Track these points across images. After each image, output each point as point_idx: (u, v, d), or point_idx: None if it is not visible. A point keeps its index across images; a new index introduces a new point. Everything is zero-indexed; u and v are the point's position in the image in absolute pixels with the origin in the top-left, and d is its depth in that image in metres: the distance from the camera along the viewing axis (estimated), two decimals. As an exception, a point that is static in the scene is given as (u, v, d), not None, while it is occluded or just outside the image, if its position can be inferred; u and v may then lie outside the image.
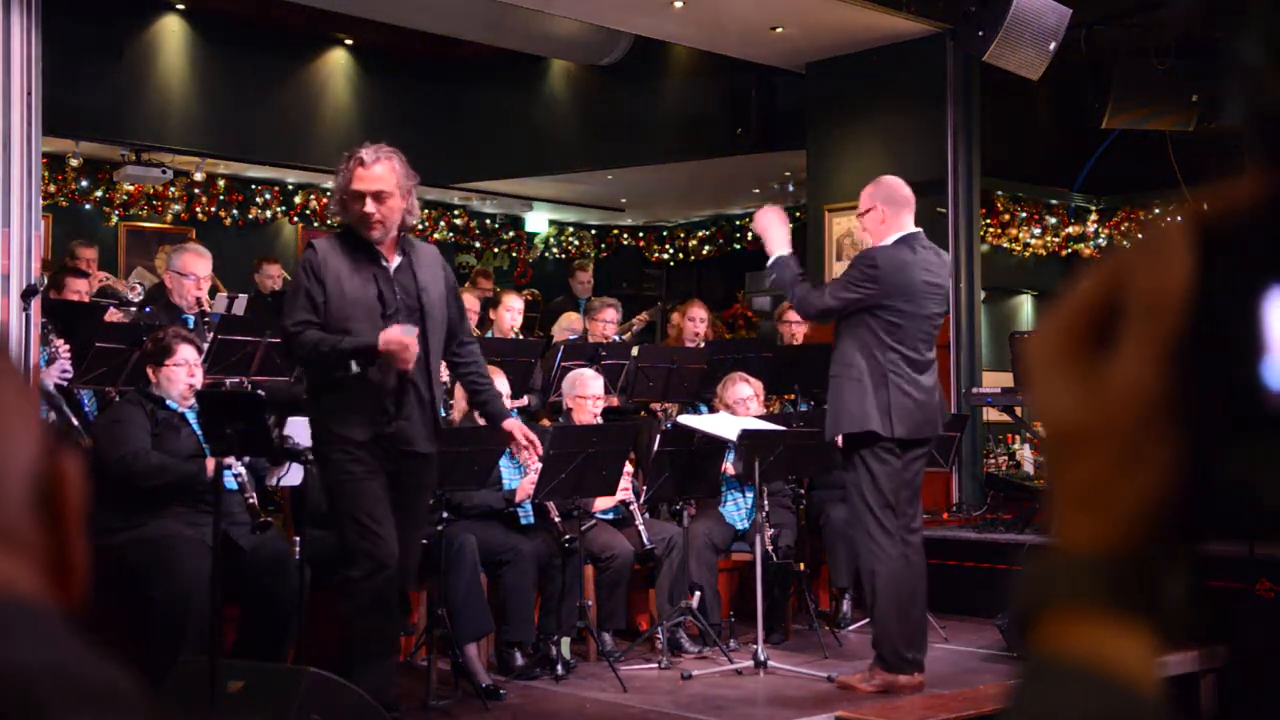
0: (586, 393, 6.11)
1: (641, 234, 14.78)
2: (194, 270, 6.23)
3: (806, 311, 5.30)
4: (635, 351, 7.15)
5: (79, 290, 6.79)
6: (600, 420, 6.12)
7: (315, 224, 12.13)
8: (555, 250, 14.33)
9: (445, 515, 5.18)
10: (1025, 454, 8.80)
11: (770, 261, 5.25)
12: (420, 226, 11.35)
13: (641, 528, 5.87)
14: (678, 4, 8.15)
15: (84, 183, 10.89)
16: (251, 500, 4.84)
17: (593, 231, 14.68)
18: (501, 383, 5.61)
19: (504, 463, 5.53)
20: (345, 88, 11.87)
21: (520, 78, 12.02)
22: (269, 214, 12.01)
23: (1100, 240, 10.22)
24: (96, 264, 8.52)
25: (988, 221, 9.55)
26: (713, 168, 11.57)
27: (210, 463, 4.65)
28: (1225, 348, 0.54)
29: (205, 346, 5.47)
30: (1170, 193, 9.00)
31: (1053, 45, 7.76)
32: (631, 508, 5.92)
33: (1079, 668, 0.56)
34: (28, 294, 5.69)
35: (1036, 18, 7.70)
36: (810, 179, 9.41)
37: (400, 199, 4.21)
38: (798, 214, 9.91)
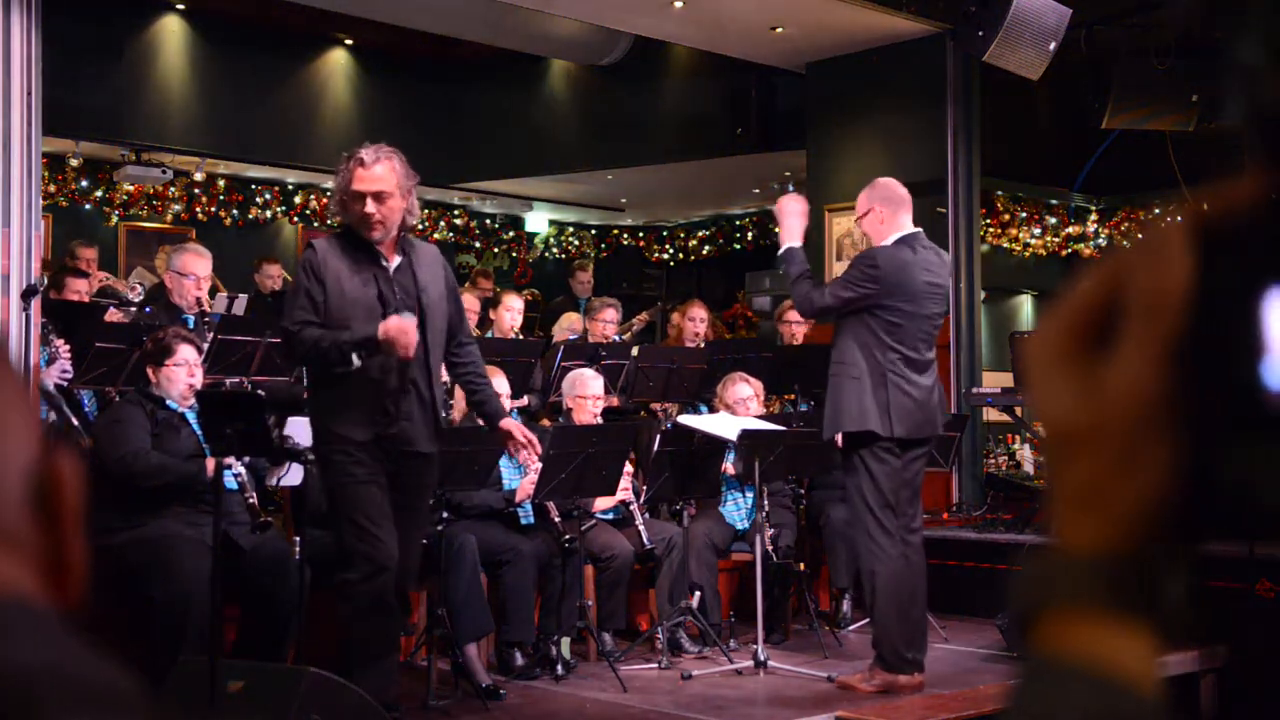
0: (586, 393, 6.11)
1: (641, 234, 14.78)
2: (194, 270, 6.23)
3: (805, 308, 5.31)
4: (635, 351, 7.15)
5: (79, 290, 6.79)
6: (600, 420, 6.12)
7: (315, 224, 12.13)
8: (555, 250, 14.33)
9: (445, 515, 5.18)
10: (1025, 454, 8.80)
11: (780, 251, 5.29)
12: (420, 226, 11.35)
13: (641, 528, 5.87)
14: (678, 4, 8.15)
15: (84, 183, 10.89)
16: (251, 500, 4.84)
17: (593, 231, 14.68)
18: (501, 383, 5.61)
19: (504, 463, 5.53)
20: (345, 88, 11.87)
21: (520, 78, 12.02)
22: (269, 214, 12.02)
23: (1100, 240, 10.22)
24: (96, 264, 8.52)
25: (988, 221, 9.55)
26: (713, 168, 11.57)
27: (210, 463, 4.65)
28: (1225, 348, 0.54)
29: (205, 346, 5.46)
30: (1170, 193, 9.00)
31: (1053, 45, 7.76)
32: (631, 508, 5.92)
33: (1079, 668, 0.56)
34: (28, 294, 5.69)
35: (1036, 18, 7.70)
36: (810, 179, 9.41)
37: (400, 199, 4.21)
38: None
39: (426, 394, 4.25)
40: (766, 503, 5.83)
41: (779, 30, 8.66)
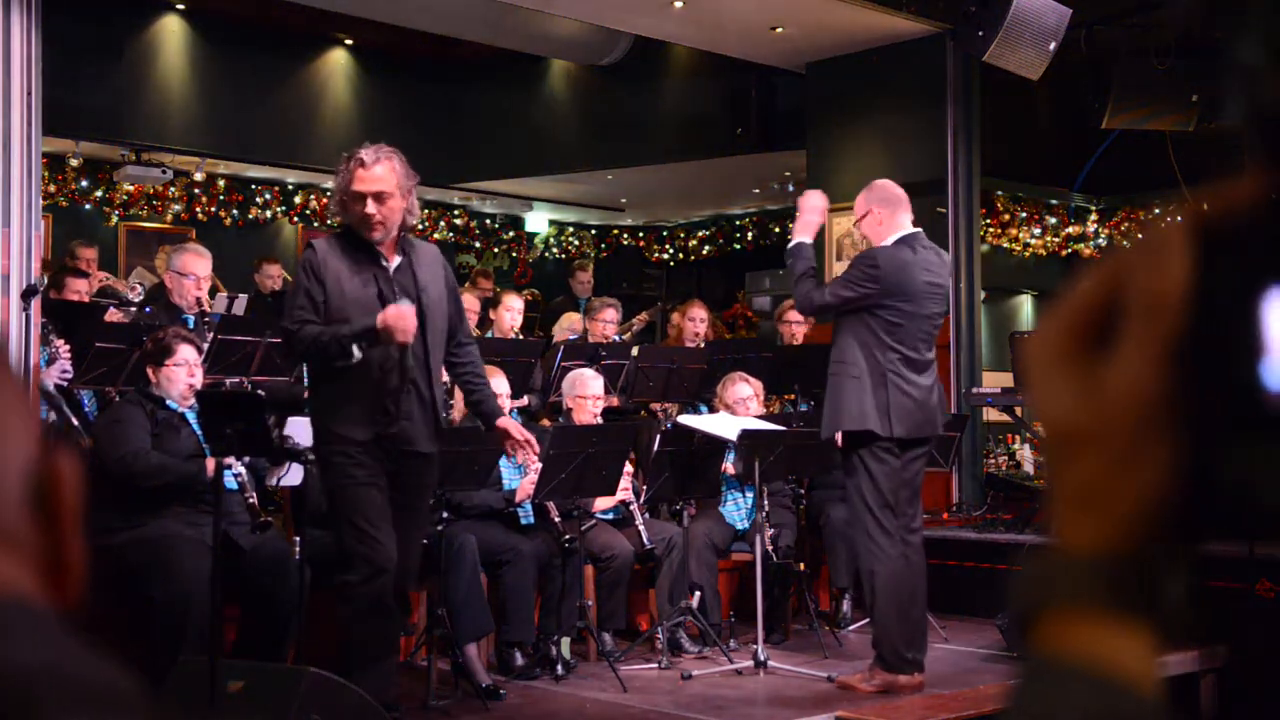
0: (586, 393, 6.11)
1: (641, 234, 14.78)
2: (194, 270, 6.23)
3: (804, 306, 5.33)
4: (635, 351, 7.15)
5: (79, 290, 6.79)
6: (600, 420, 6.12)
7: (315, 224, 12.13)
8: (555, 250, 14.33)
9: (445, 515, 5.18)
10: (1025, 454, 8.80)
11: (789, 245, 5.31)
12: (420, 226, 11.35)
13: (641, 528, 5.87)
14: (678, 4, 8.15)
15: (84, 183, 10.89)
16: (251, 500, 4.84)
17: (593, 231, 14.68)
18: (501, 383, 5.61)
19: (504, 463, 5.53)
20: (345, 88, 11.87)
21: (520, 78, 12.02)
22: (269, 214, 12.02)
23: (1100, 240, 10.22)
24: (96, 264, 8.52)
25: (988, 221, 9.55)
26: (713, 168, 11.57)
27: (210, 463, 4.65)
28: (1225, 348, 0.54)
29: (205, 346, 5.47)
30: (1170, 193, 9.00)
31: (1053, 45, 7.76)
32: (631, 508, 5.92)
33: (1079, 668, 0.56)
34: (28, 294, 5.69)
35: (1036, 18, 7.70)
36: (810, 179, 9.39)
37: (401, 199, 4.21)
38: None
39: (427, 394, 4.25)
40: (766, 503, 5.83)
41: (779, 30, 8.66)
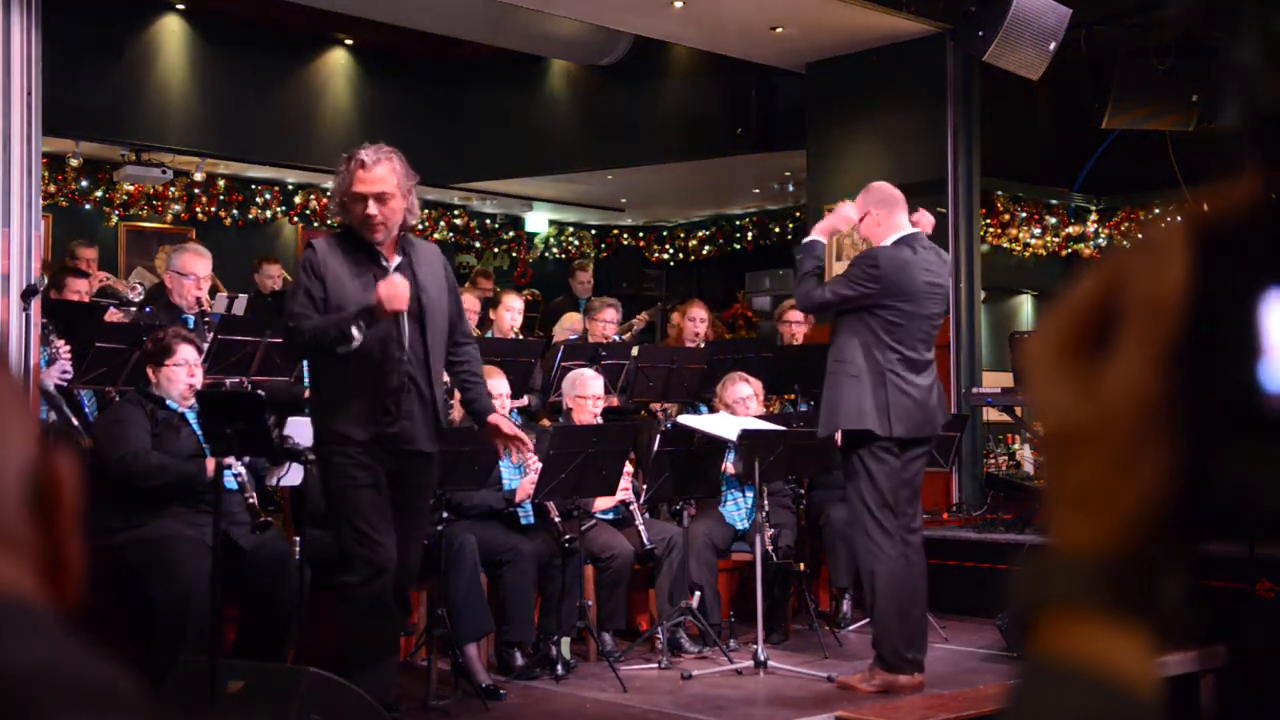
0: (586, 393, 6.11)
1: (641, 234, 14.78)
2: (194, 270, 6.23)
3: (804, 302, 5.36)
4: (635, 351, 7.15)
5: (79, 290, 6.79)
6: (600, 420, 6.12)
7: (315, 224, 12.13)
8: (555, 250, 14.33)
9: (445, 515, 5.18)
10: (1025, 454, 8.80)
11: (805, 240, 5.36)
12: (420, 226, 11.34)
13: (641, 528, 5.87)
14: (678, 4, 8.15)
15: (84, 183, 10.89)
16: (251, 500, 4.84)
17: (593, 231, 14.68)
18: (502, 383, 5.61)
19: (504, 463, 5.53)
20: (345, 88, 11.87)
21: (520, 78, 12.02)
22: (269, 214, 12.01)
23: (1100, 240, 10.22)
24: (96, 264, 8.52)
25: (988, 221, 9.55)
26: (713, 168, 11.57)
27: (210, 463, 4.65)
28: (1224, 349, 0.54)
29: (205, 346, 5.47)
30: (1170, 193, 9.00)
31: (1053, 45, 7.76)
32: (631, 508, 5.92)
33: (1078, 668, 0.56)
34: (28, 294, 5.68)
35: (1036, 18, 7.70)
36: (810, 179, 9.41)
37: (401, 199, 4.21)
38: (797, 214, 9.92)
39: (427, 393, 4.25)
40: (766, 503, 5.83)
41: (779, 30, 8.66)
